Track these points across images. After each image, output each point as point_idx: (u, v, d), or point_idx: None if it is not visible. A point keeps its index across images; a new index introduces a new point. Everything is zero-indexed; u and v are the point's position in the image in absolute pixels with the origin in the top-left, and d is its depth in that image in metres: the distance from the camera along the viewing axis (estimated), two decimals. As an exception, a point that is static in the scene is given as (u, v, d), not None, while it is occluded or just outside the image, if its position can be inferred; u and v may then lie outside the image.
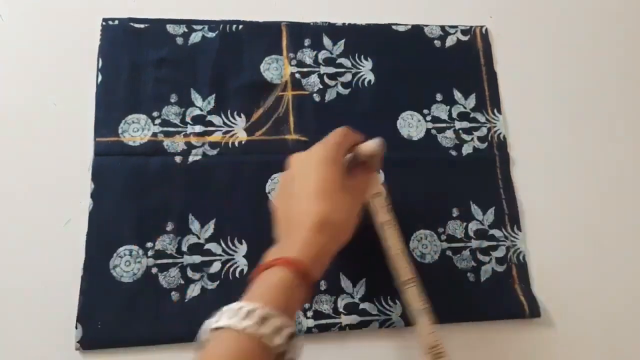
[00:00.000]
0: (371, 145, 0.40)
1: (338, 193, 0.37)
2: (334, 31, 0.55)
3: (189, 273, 0.46)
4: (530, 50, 0.58)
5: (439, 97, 0.54)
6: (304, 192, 0.38)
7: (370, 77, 0.54)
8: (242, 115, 0.51)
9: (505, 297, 0.46)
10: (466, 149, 0.53)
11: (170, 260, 0.46)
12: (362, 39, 0.56)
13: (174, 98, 0.51)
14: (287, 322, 0.32)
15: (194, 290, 0.45)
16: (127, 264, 0.45)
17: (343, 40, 0.55)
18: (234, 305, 0.33)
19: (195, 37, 0.53)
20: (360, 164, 0.41)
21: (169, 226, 0.47)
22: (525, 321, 0.48)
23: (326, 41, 0.55)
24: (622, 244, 0.52)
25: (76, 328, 0.43)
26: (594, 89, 0.58)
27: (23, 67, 0.51)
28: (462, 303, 0.47)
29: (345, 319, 0.45)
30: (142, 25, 0.53)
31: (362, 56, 0.55)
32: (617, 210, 0.53)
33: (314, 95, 0.53)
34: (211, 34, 0.54)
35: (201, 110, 0.51)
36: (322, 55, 0.54)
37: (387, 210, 0.45)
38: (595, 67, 0.59)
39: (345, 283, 0.47)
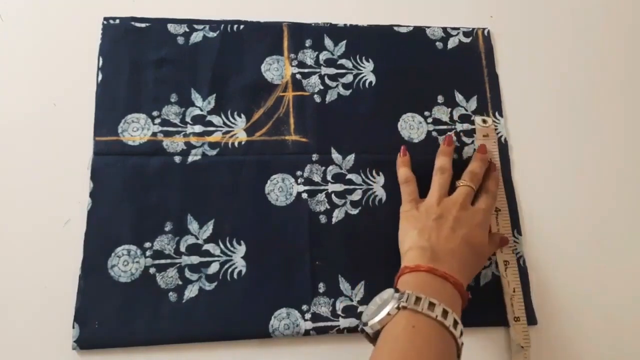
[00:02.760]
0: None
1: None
2: (336, 32, 0.55)
3: (187, 274, 0.46)
4: (533, 52, 0.58)
5: (440, 99, 0.54)
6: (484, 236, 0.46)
7: (371, 78, 0.54)
8: (242, 115, 0.51)
9: (504, 302, 0.46)
10: (467, 152, 0.53)
11: (168, 261, 0.46)
12: (363, 40, 0.55)
13: (174, 98, 0.51)
14: (459, 318, 0.37)
15: (191, 291, 0.45)
16: (125, 263, 0.45)
17: (344, 41, 0.55)
18: (410, 295, 0.37)
19: (196, 37, 0.53)
20: None
21: (168, 226, 0.47)
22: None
23: (327, 42, 0.55)
24: (623, 250, 0.51)
25: (73, 327, 0.43)
26: (597, 92, 0.57)
27: (23, 67, 0.51)
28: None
29: (343, 322, 0.45)
30: (143, 25, 0.53)
31: (364, 57, 0.55)
32: (619, 215, 0.52)
33: (315, 96, 0.53)
34: (212, 34, 0.53)
35: (201, 110, 0.51)
36: (323, 56, 0.54)
37: (511, 250, 0.49)
38: (598, 70, 0.58)
39: (344, 286, 0.47)
